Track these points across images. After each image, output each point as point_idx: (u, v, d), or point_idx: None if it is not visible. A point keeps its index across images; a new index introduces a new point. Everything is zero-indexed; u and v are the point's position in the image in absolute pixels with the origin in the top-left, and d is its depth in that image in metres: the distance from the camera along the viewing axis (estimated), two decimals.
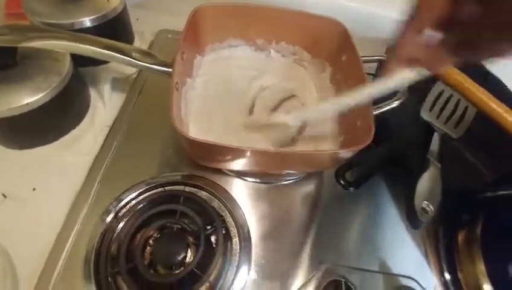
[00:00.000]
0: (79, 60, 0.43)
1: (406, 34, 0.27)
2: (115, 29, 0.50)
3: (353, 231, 0.41)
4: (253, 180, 0.43)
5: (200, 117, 0.43)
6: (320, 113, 0.40)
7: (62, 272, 0.34)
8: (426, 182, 0.38)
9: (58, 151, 0.42)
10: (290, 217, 0.41)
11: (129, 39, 0.55)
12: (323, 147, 0.42)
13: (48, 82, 0.39)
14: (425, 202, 0.37)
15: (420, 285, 0.38)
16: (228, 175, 0.43)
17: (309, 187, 0.44)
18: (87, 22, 0.45)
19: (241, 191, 0.42)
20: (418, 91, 0.45)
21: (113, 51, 0.38)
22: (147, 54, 0.39)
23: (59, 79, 0.40)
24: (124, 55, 0.38)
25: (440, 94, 0.48)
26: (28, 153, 0.42)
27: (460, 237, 0.41)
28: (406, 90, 0.39)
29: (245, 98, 0.47)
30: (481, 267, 0.38)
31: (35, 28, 0.42)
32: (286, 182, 0.44)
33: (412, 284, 0.38)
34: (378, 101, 0.39)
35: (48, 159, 0.42)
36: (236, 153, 0.35)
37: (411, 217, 0.37)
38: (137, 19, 0.59)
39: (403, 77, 0.30)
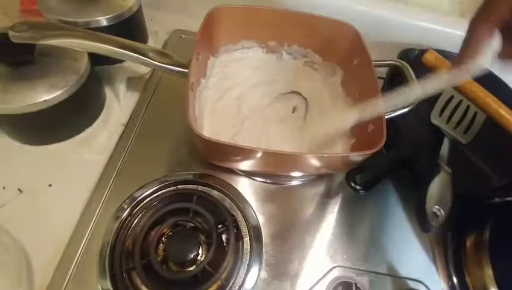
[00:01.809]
0: (95, 59, 0.43)
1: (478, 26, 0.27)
2: (130, 28, 0.50)
3: (362, 233, 0.42)
4: (264, 180, 0.44)
5: (213, 117, 0.43)
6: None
7: (77, 266, 0.35)
8: (437, 187, 0.39)
9: (73, 148, 0.43)
10: (300, 218, 0.42)
11: (143, 39, 0.56)
12: (335, 150, 0.42)
13: (66, 80, 0.40)
14: (437, 206, 0.37)
15: (428, 288, 0.39)
16: (239, 175, 0.44)
17: (319, 189, 0.45)
18: (103, 21, 0.46)
19: (252, 191, 0.43)
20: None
21: (130, 51, 0.38)
22: (163, 54, 0.40)
23: (76, 78, 0.40)
24: (140, 55, 0.39)
25: (450, 99, 0.49)
26: (44, 149, 0.43)
27: (469, 242, 0.41)
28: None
29: (256, 99, 0.47)
30: (488, 272, 0.38)
31: (53, 25, 0.43)
32: (296, 183, 0.44)
33: (420, 287, 0.38)
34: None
35: (63, 156, 0.42)
36: (249, 153, 0.35)
37: (422, 221, 0.37)
38: (152, 19, 0.59)
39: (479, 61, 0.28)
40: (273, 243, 0.39)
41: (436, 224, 0.36)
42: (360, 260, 0.40)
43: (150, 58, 0.39)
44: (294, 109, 0.47)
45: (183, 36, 0.58)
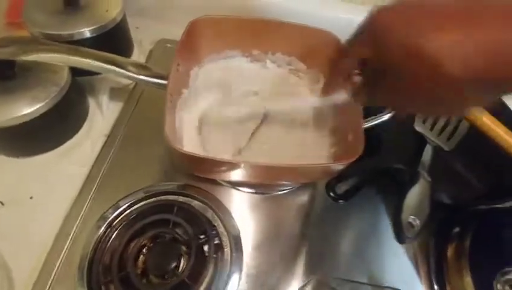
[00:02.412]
0: (77, 70, 0.43)
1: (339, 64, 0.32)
2: (114, 39, 0.51)
3: (345, 242, 0.42)
4: (247, 190, 0.44)
5: (194, 128, 0.43)
6: None
7: (56, 279, 0.35)
8: (415, 196, 0.39)
9: (56, 160, 0.43)
10: (282, 228, 0.42)
11: (128, 48, 0.56)
12: (315, 160, 0.42)
13: (47, 93, 0.40)
14: (412, 216, 0.37)
15: None
16: (222, 185, 0.44)
17: (302, 198, 0.45)
18: (86, 32, 0.46)
19: (234, 201, 0.43)
20: None
21: (109, 64, 0.39)
22: (142, 67, 0.40)
23: (57, 90, 0.41)
24: (120, 68, 0.39)
25: None
26: (26, 161, 0.43)
27: (450, 250, 0.41)
28: None
29: (240, 108, 0.47)
30: (468, 280, 0.38)
31: (33, 40, 0.43)
32: (279, 193, 0.44)
33: None
34: (369, 114, 0.39)
35: (45, 168, 0.43)
36: (230, 166, 0.36)
37: (397, 232, 0.37)
38: (137, 28, 0.59)
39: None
40: (254, 253, 0.40)
41: (412, 234, 0.36)
42: (342, 270, 0.40)
43: (128, 71, 0.39)
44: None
45: (169, 46, 0.58)
